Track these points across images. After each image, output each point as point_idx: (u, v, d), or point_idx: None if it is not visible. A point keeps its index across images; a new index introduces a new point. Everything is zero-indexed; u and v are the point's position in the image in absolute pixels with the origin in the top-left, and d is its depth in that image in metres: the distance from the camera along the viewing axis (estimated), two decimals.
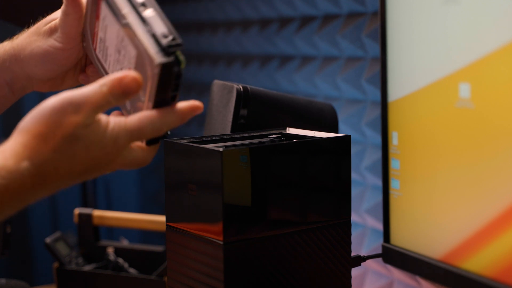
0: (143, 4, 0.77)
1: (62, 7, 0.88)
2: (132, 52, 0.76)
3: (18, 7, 1.39)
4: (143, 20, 0.76)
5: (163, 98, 0.74)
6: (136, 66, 0.76)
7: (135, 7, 0.77)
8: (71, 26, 0.88)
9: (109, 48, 0.83)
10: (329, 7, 1.50)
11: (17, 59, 0.90)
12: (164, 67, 0.72)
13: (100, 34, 0.85)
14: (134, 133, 0.72)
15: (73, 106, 0.69)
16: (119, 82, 0.70)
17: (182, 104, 0.75)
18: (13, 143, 0.69)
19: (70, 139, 0.69)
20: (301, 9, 1.59)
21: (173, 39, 0.73)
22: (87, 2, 0.87)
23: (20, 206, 0.69)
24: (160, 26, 0.74)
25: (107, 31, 0.82)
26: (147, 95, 0.75)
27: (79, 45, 0.90)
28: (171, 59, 0.73)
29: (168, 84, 0.73)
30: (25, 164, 0.67)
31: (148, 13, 0.76)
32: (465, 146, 0.92)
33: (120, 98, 0.71)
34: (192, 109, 0.75)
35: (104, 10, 0.82)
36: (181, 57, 0.73)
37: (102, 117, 0.71)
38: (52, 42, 0.89)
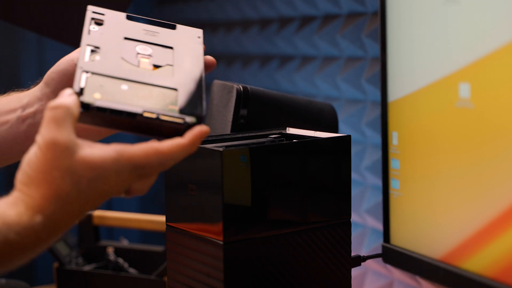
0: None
1: None
2: None
3: (18, 7, 1.39)
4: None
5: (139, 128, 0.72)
6: None
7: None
8: None
9: None
10: (329, 7, 1.50)
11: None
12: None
13: None
14: (138, 169, 0.69)
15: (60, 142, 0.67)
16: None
17: (189, 134, 0.70)
18: (21, 195, 0.67)
19: (69, 178, 0.67)
20: (301, 9, 1.59)
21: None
22: None
23: (35, 255, 0.68)
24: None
25: None
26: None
27: None
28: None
29: (108, 120, 0.72)
30: (38, 218, 0.66)
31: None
32: (465, 146, 0.92)
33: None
34: (198, 136, 0.71)
35: None
36: (85, 99, 0.71)
37: (101, 147, 0.69)
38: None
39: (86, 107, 0.70)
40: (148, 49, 0.81)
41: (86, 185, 0.67)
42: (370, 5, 1.39)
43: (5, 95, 0.93)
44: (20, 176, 0.68)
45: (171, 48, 0.82)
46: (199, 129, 0.71)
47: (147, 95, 0.74)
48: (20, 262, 0.67)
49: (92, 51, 0.77)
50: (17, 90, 0.94)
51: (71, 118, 0.68)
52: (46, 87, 0.89)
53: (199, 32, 0.87)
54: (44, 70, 0.91)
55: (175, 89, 0.75)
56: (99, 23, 0.82)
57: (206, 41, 2.29)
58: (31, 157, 0.67)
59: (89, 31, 0.80)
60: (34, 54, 2.12)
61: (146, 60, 0.79)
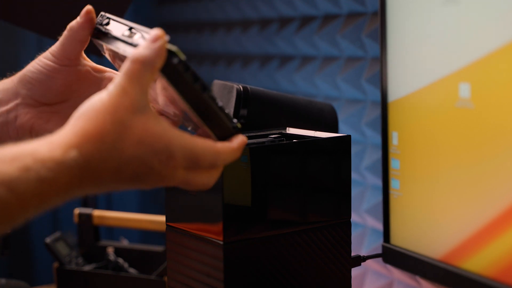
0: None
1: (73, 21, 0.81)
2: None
3: (18, 7, 1.39)
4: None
5: (207, 109, 0.70)
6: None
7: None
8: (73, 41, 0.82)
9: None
10: (329, 7, 1.50)
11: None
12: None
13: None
14: (192, 157, 0.68)
15: (127, 92, 0.66)
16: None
17: (237, 140, 0.71)
18: (63, 131, 0.65)
19: (120, 127, 0.65)
20: (301, 9, 1.59)
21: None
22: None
23: (68, 198, 0.65)
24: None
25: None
26: (198, 121, 0.71)
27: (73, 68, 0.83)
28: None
29: (182, 80, 0.68)
30: (72, 153, 0.63)
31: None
32: (465, 146, 0.92)
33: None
34: (243, 144, 0.72)
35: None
36: (173, 48, 0.68)
37: (167, 123, 0.67)
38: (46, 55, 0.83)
39: (170, 57, 0.67)
40: None
41: (134, 145, 0.65)
42: (370, 5, 1.39)
43: None
44: (76, 111, 0.66)
45: None
46: (243, 138, 0.72)
47: None
48: (54, 202, 0.64)
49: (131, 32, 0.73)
50: None
51: (150, 73, 0.66)
52: (22, 88, 0.84)
53: None
54: None
55: None
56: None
57: (206, 41, 2.30)
58: (95, 98, 0.66)
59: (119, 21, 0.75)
60: (34, 54, 2.11)
61: None
